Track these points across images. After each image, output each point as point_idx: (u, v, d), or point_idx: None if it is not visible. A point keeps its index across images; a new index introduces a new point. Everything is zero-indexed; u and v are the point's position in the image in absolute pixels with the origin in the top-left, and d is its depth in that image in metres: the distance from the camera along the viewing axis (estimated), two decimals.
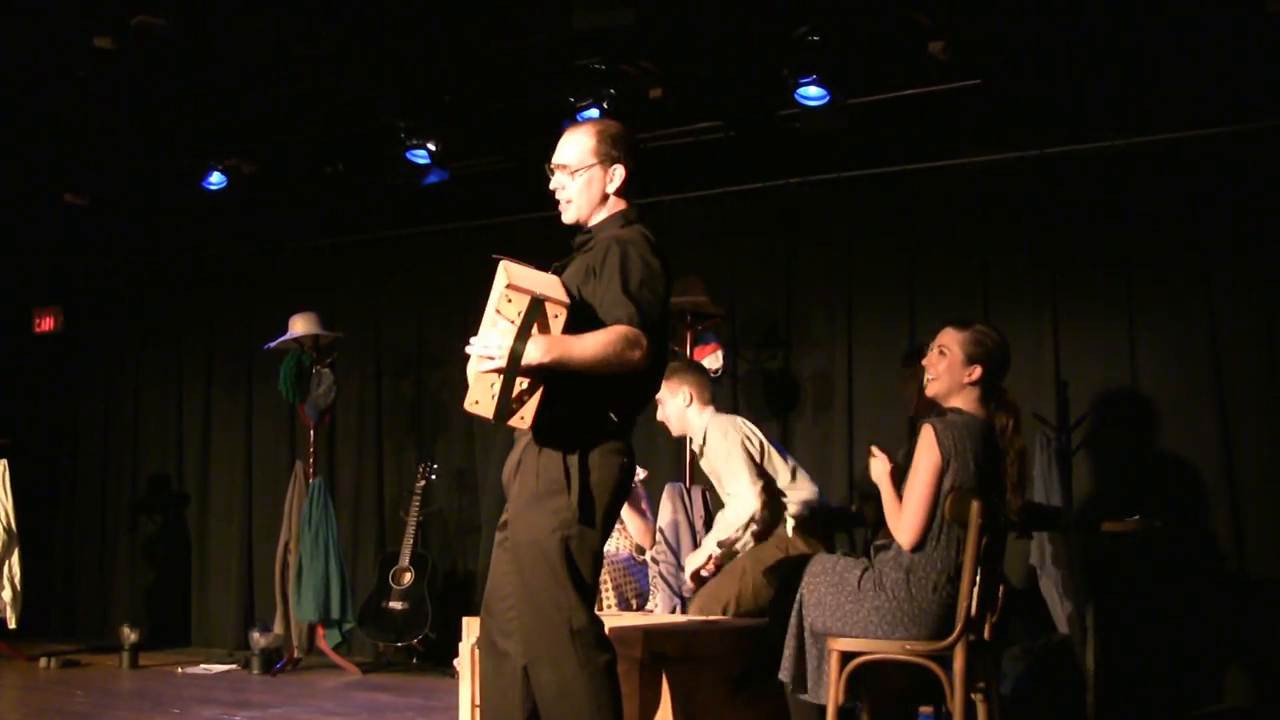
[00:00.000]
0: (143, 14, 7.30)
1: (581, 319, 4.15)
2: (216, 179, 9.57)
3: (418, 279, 10.28)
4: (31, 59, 8.06)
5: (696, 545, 6.48)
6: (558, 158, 4.50)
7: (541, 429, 4.18)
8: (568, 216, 4.54)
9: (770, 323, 8.78)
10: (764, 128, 8.54)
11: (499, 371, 4.01)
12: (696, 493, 7.01)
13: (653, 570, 6.79)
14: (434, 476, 9.41)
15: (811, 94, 7.71)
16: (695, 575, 6.23)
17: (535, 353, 3.99)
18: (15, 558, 9.82)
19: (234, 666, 9.39)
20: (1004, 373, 4.92)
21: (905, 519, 4.77)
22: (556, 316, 4.06)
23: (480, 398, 4.08)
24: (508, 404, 4.05)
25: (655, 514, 7.04)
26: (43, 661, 9.59)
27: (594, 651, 4.19)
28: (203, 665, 9.46)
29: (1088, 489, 7.49)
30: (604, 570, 6.82)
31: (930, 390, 4.93)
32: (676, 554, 6.74)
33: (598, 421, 4.25)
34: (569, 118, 8.08)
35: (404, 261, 10.35)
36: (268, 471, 10.65)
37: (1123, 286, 7.67)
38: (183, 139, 9.37)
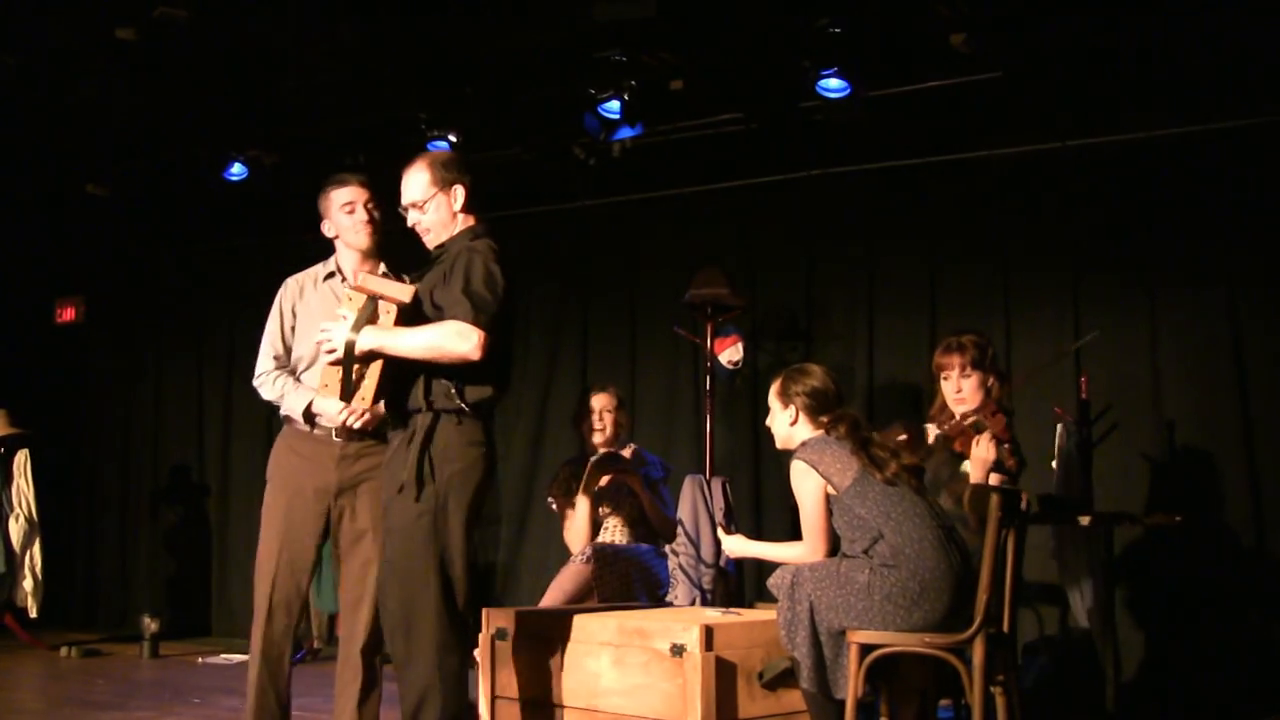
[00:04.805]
0: (164, 5, 7.32)
1: (421, 317, 4.83)
2: (237, 170, 9.59)
3: None
4: (54, 50, 8.08)
5: (715, 536, 6.48)
6: (405, 198, 5.13)
7: (397, 414, 4.90)
8: (431, 243, 5.16)
9: (791, 315, 8.77)
10: (785, 120, 8.53)
11: (339, 361, 4.76)
12: (716, 484, 7.02)
13: (672, 562, 6.80)
14: None
15: (832, 86, 7.71)
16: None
17: (363, 341, 4.74)
18: (36, 547, 9.86)
19: None
20: (821, 400, 5.24)
21: (809, 544, 5.06)
22: (388, 312, 4.77)
23: (329, 381, 4.84)
24: (350, 386, 4.78)
25: (676, 505, 7.06)
26: (63, 651, 9.64)
27: (448, 625, 4.75)
28: (223, 655, 9.48)
29: (1108, 482, 7.46)
30: (626, 563, 6.83)
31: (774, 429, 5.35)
32: (696, 545, 6.74)
33: (452, 410, 4.84)
34: (590, 109, 8.09)
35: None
36: None
37: (1145, 278, 7.65)
38: (204, 130, 9.39)
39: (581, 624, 5.47)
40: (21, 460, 9.95)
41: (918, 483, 5.05)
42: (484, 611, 5.70)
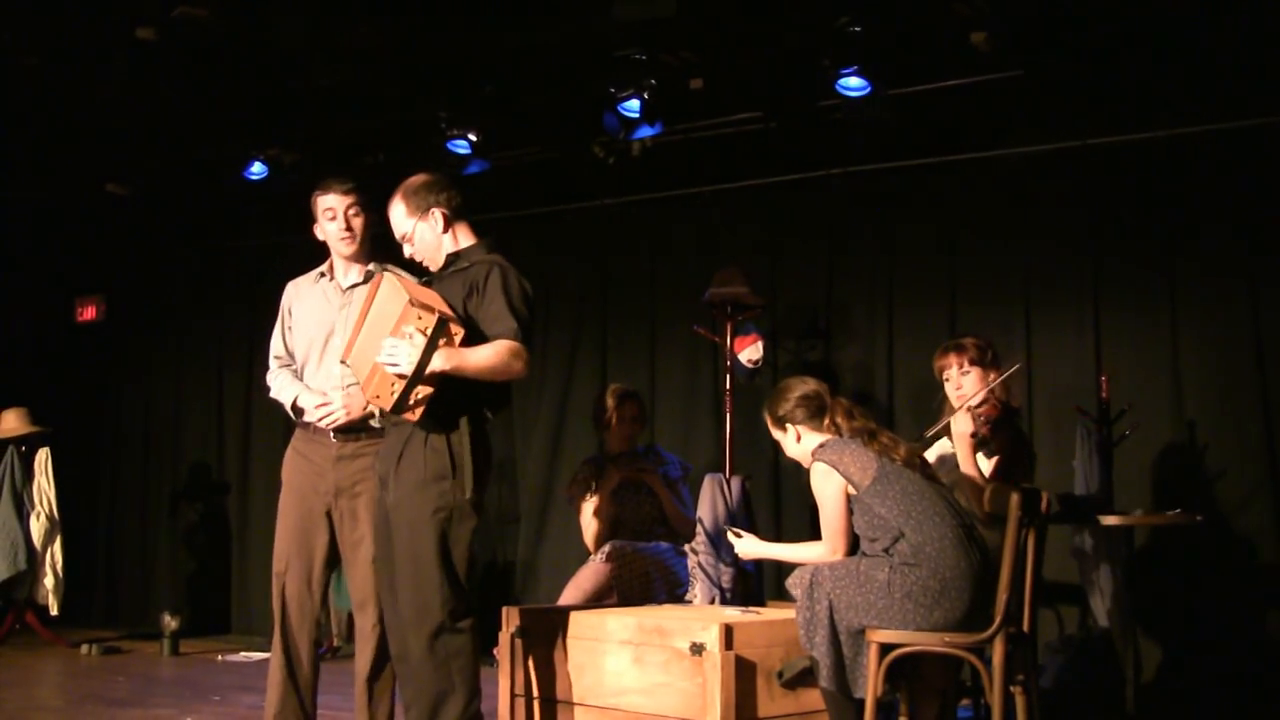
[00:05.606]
0: (184, 5, 7.34)
1: (469, 331, 4.90)
2: (257, 169, 9.62)
3: None
4: (74, 50, 8.10)
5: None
6: (396, 233, 5.25)
7: (429, 421, 4.90)
8: (431, 266, 5.24)
9: (811, 314, 8.75)
10: (805, 118, 8.52)
11: (402, 377, 4.75)
12: (736, 483, 7.01)
13: (691, 561, 6.79)
14: None
15: (853, 85, 7.70)
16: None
17: (438, 363, 4.74)
18: (57, 545, 9.89)
19: None
20: (814, 404, 5.25)
21: (829, 544, 5.06)
22: (458, 334, 4.82)
23: (381, 393, 4.85)
24: (405, 403, 4.81)
25: (695, 504, 7.05)
26: (84, 648, 9.67)
27: (459, 619, 4.90)
28: (243, 653, 9.50)
29: (1129, 481, 7.44)
30: (645, 562, 6.83)
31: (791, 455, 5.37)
32: (716, 544, 6.74)
33: (476, 418, 4.98)
34: (610, 108, 8.09)
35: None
36: None
37: (1166, 278, 7.61)
38: (224, 129, 9.41)
39: (601, 622, 5.47)
40: (42, 458, 9.99)
41: (931, 473, 5.06)
42: (503, 610, 5.70)
